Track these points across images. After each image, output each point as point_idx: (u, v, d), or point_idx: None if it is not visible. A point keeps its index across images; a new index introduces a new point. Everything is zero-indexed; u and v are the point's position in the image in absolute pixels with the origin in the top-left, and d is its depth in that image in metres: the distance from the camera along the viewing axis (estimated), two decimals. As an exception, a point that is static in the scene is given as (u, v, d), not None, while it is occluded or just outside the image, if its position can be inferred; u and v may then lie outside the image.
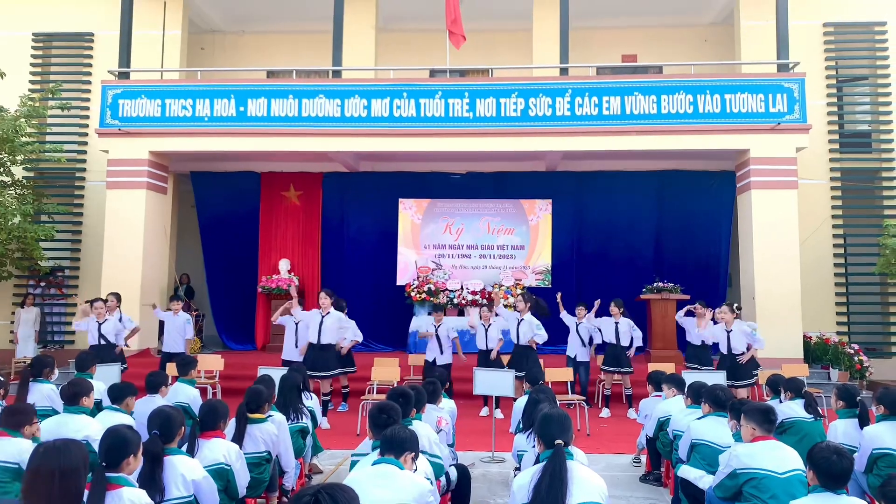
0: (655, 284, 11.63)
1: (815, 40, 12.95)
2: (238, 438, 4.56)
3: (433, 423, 5.10)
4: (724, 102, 11.15)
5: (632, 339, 9.50)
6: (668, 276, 11.98)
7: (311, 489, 2.06)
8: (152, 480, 3.44)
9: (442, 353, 9.51)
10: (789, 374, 7.99)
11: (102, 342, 8.93)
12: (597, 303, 9.71)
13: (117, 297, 9.64)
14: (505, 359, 9.42)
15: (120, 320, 9.29)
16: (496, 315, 9.55)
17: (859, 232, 12.57)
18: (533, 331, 9.06)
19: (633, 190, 12.96)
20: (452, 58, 12.21)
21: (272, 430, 4.84)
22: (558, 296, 10.06)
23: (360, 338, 9.54)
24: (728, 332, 8.63)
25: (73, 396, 4.88)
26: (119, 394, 5.19)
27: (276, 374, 6.27)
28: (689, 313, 9.76)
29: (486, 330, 9.32)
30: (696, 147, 11.30)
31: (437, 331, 9.54)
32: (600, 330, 9.67)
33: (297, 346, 9.08)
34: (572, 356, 9.61)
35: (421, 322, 12.24)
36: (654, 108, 11.22)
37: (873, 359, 11.61)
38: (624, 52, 14.39)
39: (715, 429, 4.87)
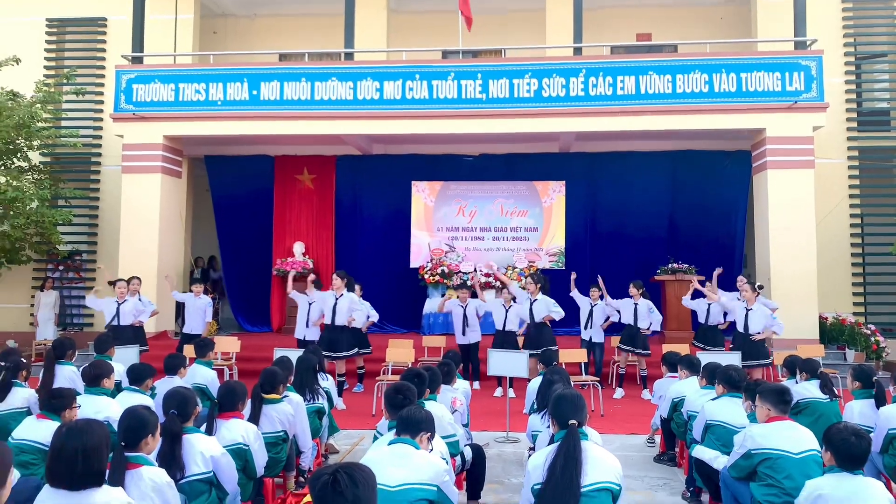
0: (670, 265, 11.58)
1: (833, 17, 12.72)
2: (254, 419, 4.61)
3: (448, 404, 5.13)
4: (739, 81, 10.99)
5: (650, 322, 9.47)
6: (683, 257, 11.91)
7: (330, 468, 2.08)
8: (172, 458, 3.49)
9: (465, 334, 9.61)
10: (805, 354, 7.91)
11: (120, 322, 9.03)
12: (600, 280, 9.68)
13: (139, 280, 9.79)
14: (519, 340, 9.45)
15: (140, 300, 9.43)
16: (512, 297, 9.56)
17: (877, 212, 12.43)
18: (549, 308, 9.06)
19: (647, 170, 12.86)
20: (465, 39, 12.12)
21: (288, 410, 4.89)
22: (572, 276, 10.01)
23: (375, 317, 9.62)
24: (748, 310, 8.54)
25: (95, 378, 4.96)
26: (138, 375, 5.27)
27: (293, 355, 6.33)
28: (696, 295, 9.74)
29: (507, 311, 9.34)
30: (712, 127, 11.18)
31: (464, 310, 9.62)
32: (619, 311, 9.64)
33: (308, 326, 9.21)
34: (587, 338, 9.59)
35: (434, 303, 12.31)
36: (669, 88, 11.10)
37: (890, 339, 11.51)
38: (638, 31, 14.21)
39: (729, 409, 4.86)
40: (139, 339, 9.04)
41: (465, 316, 9.67)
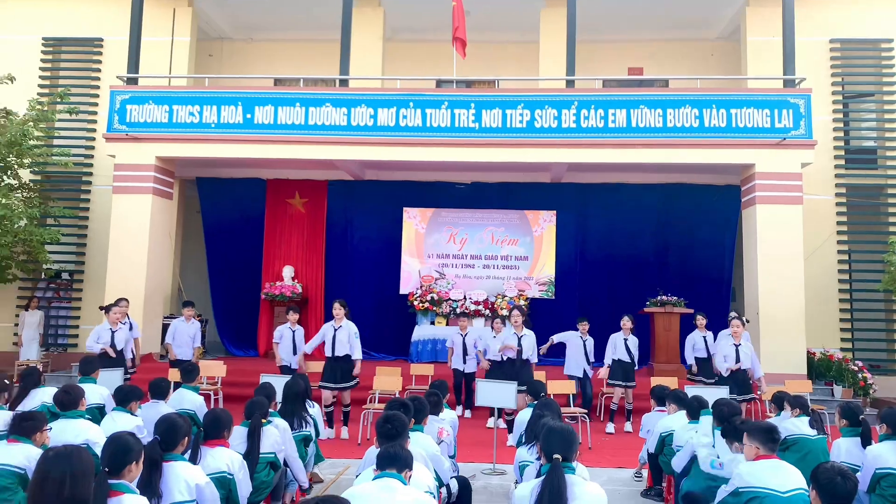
0: (659, 298, 11.61)
1: (821, 56, 12.97)
2: (251, 455, 4.58)
3: (434, 434, 5.10)
4: (729, 117, 11.16)
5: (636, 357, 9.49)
6: (672, 289, 11.95)
7: (311, 501, 2.07)
8: (149, 486, 3.45)
9: (465, 362, 9.59)
10: (793, 390, 7.94)
11: (117, 348, 8.71)
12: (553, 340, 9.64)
13: (127, 302, 9.63)
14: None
15: (130, 328, 9.27)
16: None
17: (864, 248, 12.55)
18: (533, 347, 9.01)
19: (637, 203, 12.98)
20: (459, 69, 12.26)
21: (275, 433, 4.90)
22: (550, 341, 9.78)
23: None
24: (737, 345, 8.59)
25: (70, 403, 4.89)
26: (124, 397, 5.23)
27: (277, 381, 6.30)
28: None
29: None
30: (702, 161, 11.31)
31: (463, 339, 9.69)
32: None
33: (295, 353, 9.11)
34: (579, 374, 9.41)
35: (423, 330, 12.30)
36: (659, 122, 11.24)
37: (877, 376, 11.56)
38: (630, 66, 14.44)
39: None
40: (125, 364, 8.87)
41: (464, 345, 9.71)
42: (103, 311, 9.14)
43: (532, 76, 13.38)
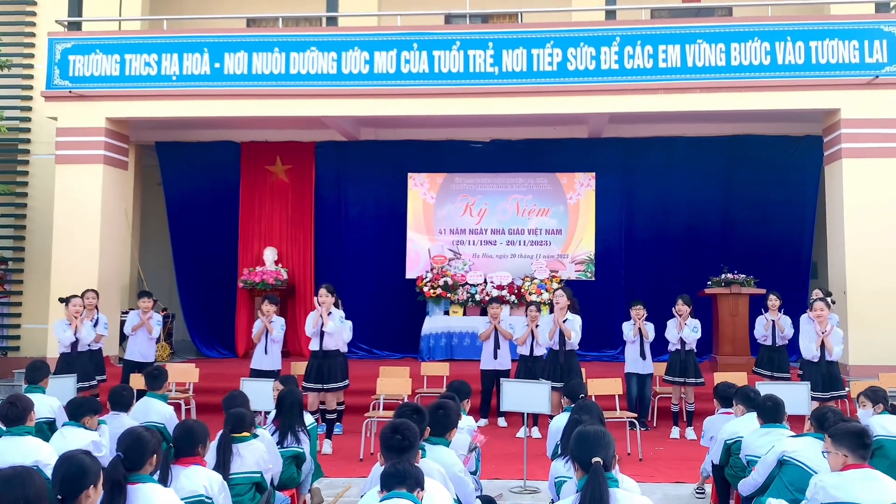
0: (723, 276, 11.59)
1: (922, -27, 12.77)
2: (222, 467, 4.63)
3: (464, 446, 5.11)
4: (808, 51, 11.04)
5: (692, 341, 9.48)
6: (739, 265, 11.92)
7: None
8: (110, 513, 3.49)
9: (496, 357, 9.64)
10: (888, 385, 7.94)
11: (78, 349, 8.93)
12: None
13: (96, 294, 9.76)
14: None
15: (95, 324, 9.41)
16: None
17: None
18: (577, 332, 9.01)
19: (695, 160, 12.93)
20: (473, 0, 12.17)
21: (261, 448, 4.96)
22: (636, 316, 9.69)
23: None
24: (822, 332, 8.56)
25: (18, 418, 4.95)
26: (77, 410, 5.29)
27: (259, 387, 6.37)
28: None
29: (533, 331, 9.33)
30: (775, 107, 11.23)
31: (496, 330, 9.74)
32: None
33: (266, 353, 9.15)
34: (634, 370, 9.44)
35: (435, 321, 12.31)
36: (721, 60, 11.15)
37: None
38: (684, -10, 14.27)
39: (813, 451, 4.82)
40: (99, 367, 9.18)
41: (496, 337, 9.71)
42: (63, 302, 9.26)
43: (563, 6, 13.26)
